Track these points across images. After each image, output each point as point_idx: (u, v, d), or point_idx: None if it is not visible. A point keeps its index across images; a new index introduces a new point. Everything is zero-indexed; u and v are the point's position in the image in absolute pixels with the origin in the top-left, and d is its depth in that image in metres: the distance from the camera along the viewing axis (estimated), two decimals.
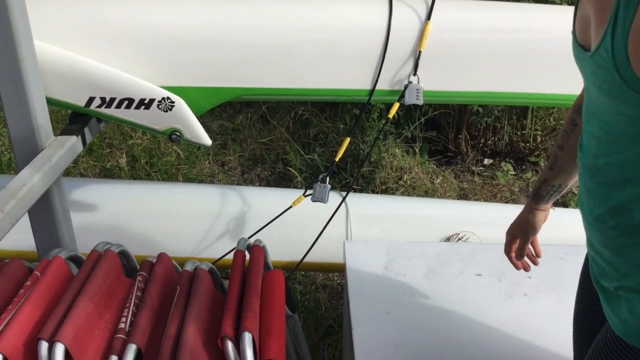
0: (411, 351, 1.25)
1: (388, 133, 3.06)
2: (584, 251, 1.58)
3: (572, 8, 1.92)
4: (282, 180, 3.04)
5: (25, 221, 1.26)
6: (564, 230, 2.03)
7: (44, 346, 0.96)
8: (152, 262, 1.26)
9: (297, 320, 1.41)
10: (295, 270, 1.69)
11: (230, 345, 1.01)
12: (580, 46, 0.82)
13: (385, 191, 2.90)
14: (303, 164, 3.03)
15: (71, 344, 0.96)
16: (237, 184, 2.96)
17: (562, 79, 1.59)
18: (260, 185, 3.04)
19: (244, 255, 1.28)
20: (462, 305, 1.40)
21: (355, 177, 2.73)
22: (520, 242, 1.25)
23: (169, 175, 2.94)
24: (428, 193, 2.89)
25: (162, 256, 1.26)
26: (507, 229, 1.27)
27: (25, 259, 1.20)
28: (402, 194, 2.88)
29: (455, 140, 3.21)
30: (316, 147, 3.10)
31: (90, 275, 1.13)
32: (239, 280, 1.19)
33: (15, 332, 0.98)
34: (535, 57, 1.56)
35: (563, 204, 2.88)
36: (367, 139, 2.99)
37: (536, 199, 1.19)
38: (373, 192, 2.89)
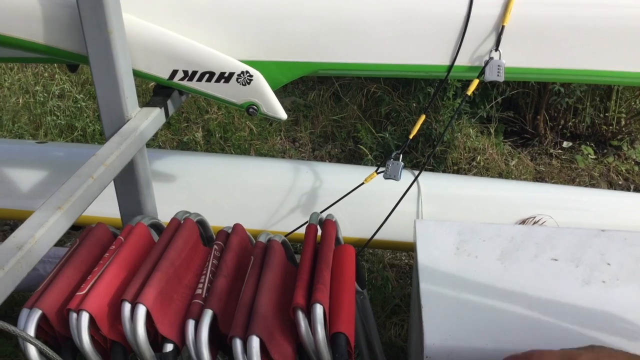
0: (480, 332, 1.23)
1: (463, 112, 2.99)
2: None
3: None
4: (352, 158, 3.04)
5: (110, 190, 1.32)
6: None
7: (127, 307, 1.02)
8: (228, 232, 1.30)
9: (366, 296, 1.42)
10: (365, 247, 1.69)
11: (301, 316, 1.03)
12: None
13: (457, 172, 2.85)
14: (374, 143, 3.02)
15: (152, 306, 1.01)
16: (307, 160, 2.99)
17: None
18: (330, 162, 3.06)
19: (316, 229, 1.30)
20: (536, 289, 1.36)
21: (428, 156, 2.69)
22: None
23: (242, 150, 3.01)
24: (502, 175, 2.82)
25: (237, 227, 1.30)
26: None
27: (110, 225, 1.27)
28: (475, 175, 2.82)
29: (533, 122, 3.10)
30: (387, 126, 3.08)
31: (171, 241, 1.18)
32: (311, 252, 1.21)
33: (100, 293, 1.04)
34: (627, 32, 1.47)
35: None
36: (440, 117, 2.94)
37: None
38: (444, 172, 2.85)
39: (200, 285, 1.11)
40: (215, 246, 1.22)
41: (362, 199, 1.76)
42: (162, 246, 1.16)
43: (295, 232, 1.65)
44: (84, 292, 1.04)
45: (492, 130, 3.00)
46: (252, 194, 1.85)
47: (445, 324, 1.25)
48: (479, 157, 2.86)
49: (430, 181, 1.88)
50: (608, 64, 1.52)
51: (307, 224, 1.32)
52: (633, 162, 2.92)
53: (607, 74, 1.52)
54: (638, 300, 1.33)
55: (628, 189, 2.78)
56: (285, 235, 1.60)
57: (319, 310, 1.04)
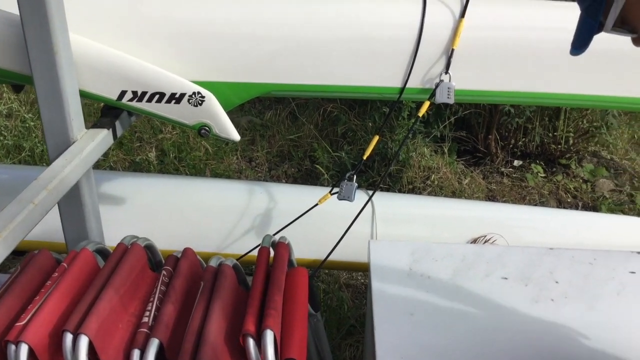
0: (433, 352, 1.23)
1: (417, 132, 3.03)
2: (613, 256, 1.55)
3: None
4: (308, 178, 3.04)
5: (54, 213, 1.28)
6: (594, 234, 1.99)
7: (68, 338, 0.98)
8: (178, 257, 1.27)
9: (320, 319, 1.40)
10: (319, 269, 1.68)
11: (251, 343, 1.02)
12: None
13: (412, 190, 2.88)
14: (330, 162, 3.03)
15: (95, 336, 0.98)
16: (264, 181, 2.97)
17: (599, 80, 1.55)
18: (287, 182, 3.05)
19: (269, 252, 1.28)
20: (487, 308, 1.38)
21: (382, 176, 2.71)
22: None
23: (197, 170, 2.97)
24: (455, 193, 2.86)
25: (187, 251, 1.27)
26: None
27: (54, 251, 1.22)
28: (429, 193, 2.86)
29: (485, 141, 3.17)
30: (344, 145, 3.10)
31: (116, 268, 1.14)
32: (263, 277, 1.19)
33: (40, 323, 0.99)
34: (570, 56, 1.52)
35: (593, 208, 2.82)
36: (396, 137, 2.97)
37: None
38: (400, 191, 2.87)
39: (147, 313, 1.08)
40: (163, 272, 1.19)
41: (318, 220, 1.75)
42: (107, 273, 1.12)
43: (249, 254, 1.63)
44: (23, 322, 1.00)
45: (445, 150, 3.06)
46: (206, 216, 1.82)
47: (398, 345, 1.25)
48: (433, 176, 2.91)
49: (385, 201, 1.89)
50: (554, 86, 1.57)
51: (259, 247, 1.30)
52: (581, 180, 3.01)
53: (553, 97, 1.57)
54: (586, 317, 1.36)
55: (576, 207, 2.86)
56: (238, 258, 1.58)
57: (269, 336, 1.02)
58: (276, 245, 1.31)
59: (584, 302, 1.40)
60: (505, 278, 1.49)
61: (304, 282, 1.26)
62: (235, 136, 1.46)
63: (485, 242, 1.80)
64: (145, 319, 1.06)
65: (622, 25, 0.80)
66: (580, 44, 0.87)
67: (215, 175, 2.94)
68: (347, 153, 2.99)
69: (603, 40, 1.51)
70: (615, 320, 1.34)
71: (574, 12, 1.72)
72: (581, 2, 0.83)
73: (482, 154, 3.18)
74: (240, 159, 3.11)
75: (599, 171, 3.03)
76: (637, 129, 3.33)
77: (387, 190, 2.89)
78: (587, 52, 1.47)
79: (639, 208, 2.83)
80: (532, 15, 1.57)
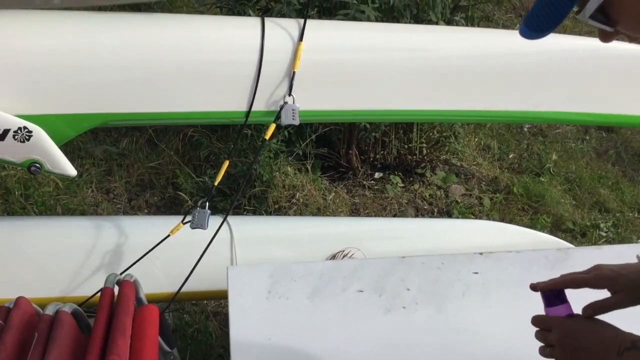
0: None
1: (279, 152, 3.05)
2: (460, 260, 1.65)
3: (453, 27, 2.03)
4: (172, 205, 2.95)
5: None
6: (447, 239, 2.12)
7: None
8: (10, 308, 1.16)
9: (177, 356, 1.35)
10: (171, 303, 1.62)
11: None
12: None
13: (279, 210, 2.89)
14: (194, 187, 2.96)
15: None
16: (123, 212, 2.84)
17: (429, 95, 1.66)
18: (149, 211, 2.93)
19: (112, 293, 1.21)
20: (343, 322, 1.40)
21: (234, 200, 2.68)
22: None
23: (47, 207, 2.76)
24: (320, 210, 2.91)
25: (19, 301, 1.17)
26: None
27: None
28: (295, 212, 2.88)
29: (346, 156, 3.26)
30: (207, 169, 3.04)
31: None
32: (105, 320, 1.12)
33: None
34: (402, 74, 1.61)
35: (448, 212, 3.01)
36: (258, 158, 2.97)
37: None
38: (266, 212, 2.87)
39: None
40: None
41: (176, 251, 1.70)
42: None
43: (96, 296, 1.53)
44: None
45: (309, 167, 3.11)
46: (50, 258, 1.69)
47: None
48: (298, 194, 2.94)
49: (244, 226, 1.88)
50: (392, 103, 1.65)
51: (102, 289, 1.23)
52: (435, 187, 3.19)
53: (390, 113, 1.65)
54: (436, 320, 1.43)
55: (432, 213, 3.03)
56: (84, 302, 1.48)
57: None
58: (120, 284, 1.25)
59: (433, 306, 1.47)
60: (361, 291, 1.53)
61: (154, 320, 1.20)
62: (71, 171, 1.38)
63: (344, 256, 1.84)
64: None
65: (599, 14, 0.69)
66: (546, 26, 0.72)
67: (68, 210, 2.76)
68: (210, 177, 2.94)
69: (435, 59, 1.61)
70: (460, 321, 1.42)
71: (410, 34, 1.83)
72: None
73: (345, 168, 3.27)
74: (96, 191, 2.94)
75: (450, 178, 3.23)
76: (482, 137, 3.61)
77: (254, 212, 2.88)
78: (416, 71, 1.52)
79: (487, 210, 3.05)
80: (368, 36, 1.65)
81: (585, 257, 1.37)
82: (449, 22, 2.84)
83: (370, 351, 1.33)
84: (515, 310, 1.27)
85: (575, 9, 0.71)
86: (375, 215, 2.98)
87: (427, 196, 3.14)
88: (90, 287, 1.59)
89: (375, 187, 3.19)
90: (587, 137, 3.75)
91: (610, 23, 0.70)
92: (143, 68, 1.48)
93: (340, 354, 1.31)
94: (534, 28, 0.73)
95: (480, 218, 3.00)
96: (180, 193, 2.91)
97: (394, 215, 2.94)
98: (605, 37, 0.72)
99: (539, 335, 0.97)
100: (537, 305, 1.02)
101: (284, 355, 1.29)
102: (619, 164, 3.58)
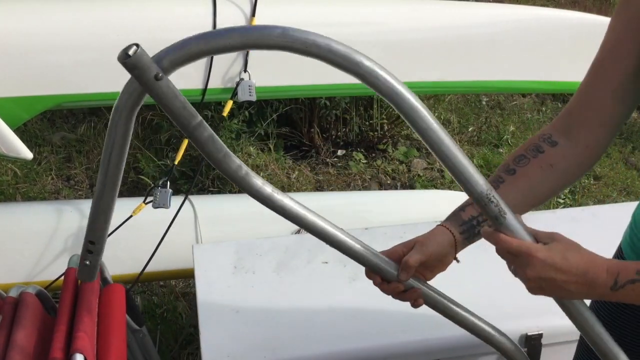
0: (258, 345, 1.26)
1: (241, 132, 3.05)
2: (421, 229, 1.68)
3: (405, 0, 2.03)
4: (135, 190, 2.92)
5: None
6: (411, 209, 2.16)
7: None
8: None
9: (146, 333, 1.36)
10: (136, 282, 1.63)
11: None
12: None
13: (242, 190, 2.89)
14: (156, 171, 2.93)
15: None
16: (85, 198, 2.80)
17: None
18: None
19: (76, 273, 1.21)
20: (309, 293, 1.43)
21: (195, 176, 2.67)
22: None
23: (6, 196, 2.71)
24: (285, 188, 2.93)
25: None
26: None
27: None
28: None
29: (308, 134, 3.28)
30: (169, 152, 3.02)
31: None
32: (71, 299, 1.12)
33: None
34: (357, 48, 1.63)
35: (411, 186, 3.06)
36: (222, 138, 2.96)
37: (453, 220, 0.96)
38: (230, 192, 2.87)
39: None
40: None
41: (140, 232, 1.69)
42: None
43: (60, 279, 1.52)
44: None
45: (271, 147, 3.11)
46: (12, 244, 1.67)
47: (223, 345, 1.25)
48: (261, 174, 2.95)
49: (206, 204, 1.88)
50: (346, 76, 1.67)
51: (66, 270, 1.23)
52: (397, 162, 3.24)
53: (341, 87, 1.67)
54: None
55: (395, 187, 3.08)
56: (49, 285, 1.47)
57: (79, 359, 0.97)
58: None
59: None
60: (326, 262, 1.56)
61: (120, 299, 1.21)
62: (27, 154, 1.36)
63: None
64: None
65: None
66: None
67: (28, 199, 2.71)
68: (172, 160, 2.92)
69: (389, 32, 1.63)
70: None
71: (362, 8, 1.84)
72: None
73: (308, 147, 3.28)
74: (56, 179, 2.89)
75: (411, 152, 3.28)
76: (441, 111, 3.67)
77: (218, 192, 2.88)
78: (370, 43, 1.52)
79: (448, 182, 3.12)
80: (321, 11, 1.66)
81: (540, 221, 1.42)
82: None
83: (337, 319, 1.36)
84: (477, 268, 1.32)
85: None
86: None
87: (390, 171, 3.18)
88: (54, 271, 1.58)
89: (339, 165, 3.22)
90: (544, 109, 3.84)
91: None
92: (95, 48, 1.46)
93: (307, 322, 1.34)
94: None
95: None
96: (143, 177, 2.88)
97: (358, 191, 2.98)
98: None
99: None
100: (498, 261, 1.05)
101: (251, 327, 1.31)
102: None
